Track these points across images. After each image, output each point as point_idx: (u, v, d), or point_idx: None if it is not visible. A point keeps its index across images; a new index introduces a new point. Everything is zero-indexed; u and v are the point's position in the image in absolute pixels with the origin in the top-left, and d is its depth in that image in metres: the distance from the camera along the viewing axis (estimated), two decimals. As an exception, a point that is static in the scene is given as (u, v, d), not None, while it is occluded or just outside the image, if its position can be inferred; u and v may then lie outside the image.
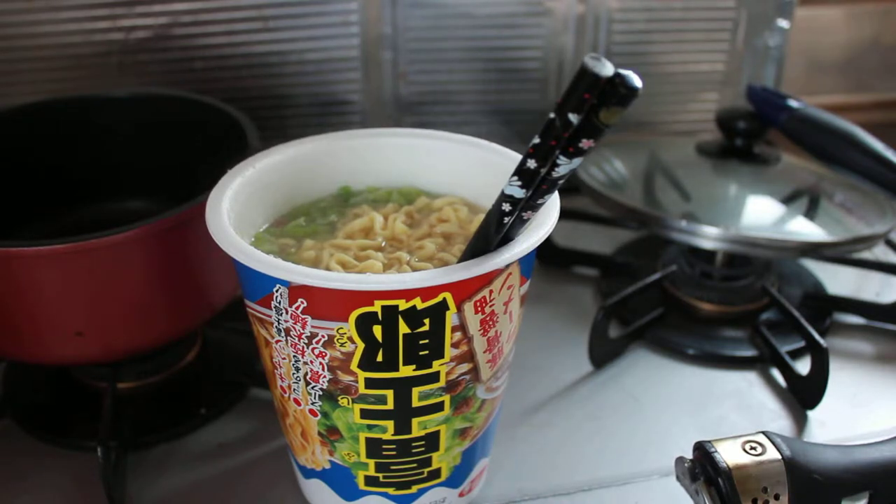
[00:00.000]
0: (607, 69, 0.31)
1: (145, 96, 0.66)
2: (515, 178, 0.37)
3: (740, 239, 0.62)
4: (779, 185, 0.71)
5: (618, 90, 0.31)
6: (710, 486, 0.42)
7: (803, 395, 0.58)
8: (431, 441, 0.44)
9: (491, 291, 0.40)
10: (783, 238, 0.64)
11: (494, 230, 0.39)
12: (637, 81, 0.31)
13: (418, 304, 0.38)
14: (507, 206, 0.38)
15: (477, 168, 0.49)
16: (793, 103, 0.74)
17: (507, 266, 0.40)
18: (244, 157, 0.48)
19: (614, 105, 0.32)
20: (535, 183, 0.36)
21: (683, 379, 0.61)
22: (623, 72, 0.31)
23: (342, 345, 0.39)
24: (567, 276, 0.73)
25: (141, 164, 0.65)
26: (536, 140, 0.34)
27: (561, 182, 0.36)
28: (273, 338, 0.42)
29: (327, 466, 0.45)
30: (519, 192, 0.37)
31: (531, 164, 0.35)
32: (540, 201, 0.38)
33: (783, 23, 0.84)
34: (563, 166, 0.35)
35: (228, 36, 0.76)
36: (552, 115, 0.33)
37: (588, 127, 0.33)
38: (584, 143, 0.33)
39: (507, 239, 0.40)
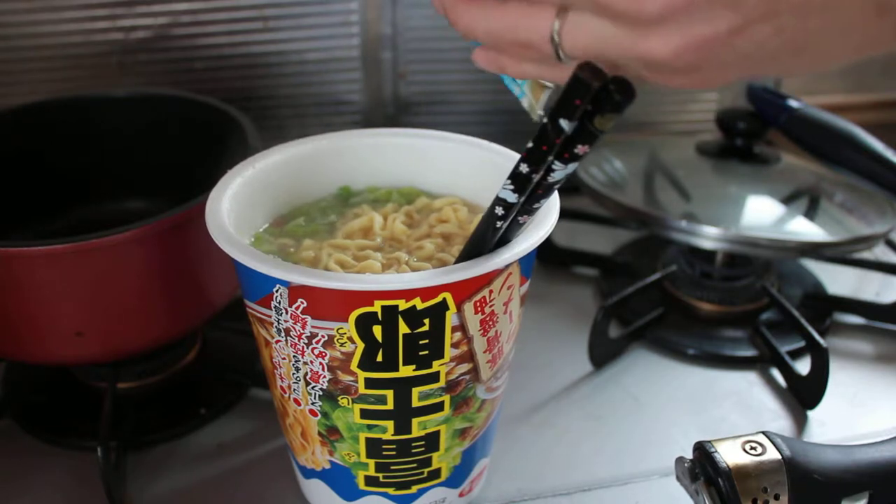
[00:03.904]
0: (601, 76, 0.31)
1: (145, 96, 0.66)
2: (509, 182, 0.36)
3: (740, 239, 0.62)
4: (779, 185, 0.71)
5: (612, 96, 0.31)
6: (710, 486, 0.42)
7: (803, 395, 0.58)
8: (431, 441, 0.44)
9: (491, 291, 0.40)
10: (783, 238, 0.64)
11: (490, 234, 0.39)
12: (632, 88, 0.31)
13: (418, 304, 0.38)
14: (500, 210, 0.38)
15: (477, 168, 0.49)
16: (793, 103, 0.74)
17: (507, 266, 0.40)
18: (244, 157, 0.48)
19: (609, 111, 0.31)
20: (529, 188, 0.36)
21: (683, 379, 0.61)
22: (618, 77, 0.31)
23: (342, 345, 0.39)
24: (567, 276, 0.73)
25: (141, 164, 0.65)
26: (529, 145, 0.34)
27: (556, 186, 0.36)
28: (273, 338, 0.42)
29: (327, 466, 0.45)
30: (511, 197, 0.37)
31: (524, 168, 0.35)
32: (536, 206, 0.38)
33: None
34: (559, 171, 0.35)
35: (228, 36, 0.76)
36: (545, 120, 0.33)
37: (583, 133, 0.32)
38: (580, 149, 0.33)
39: (503, 242, 0.40)
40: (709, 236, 0.63)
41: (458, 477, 0.47)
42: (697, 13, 0.28)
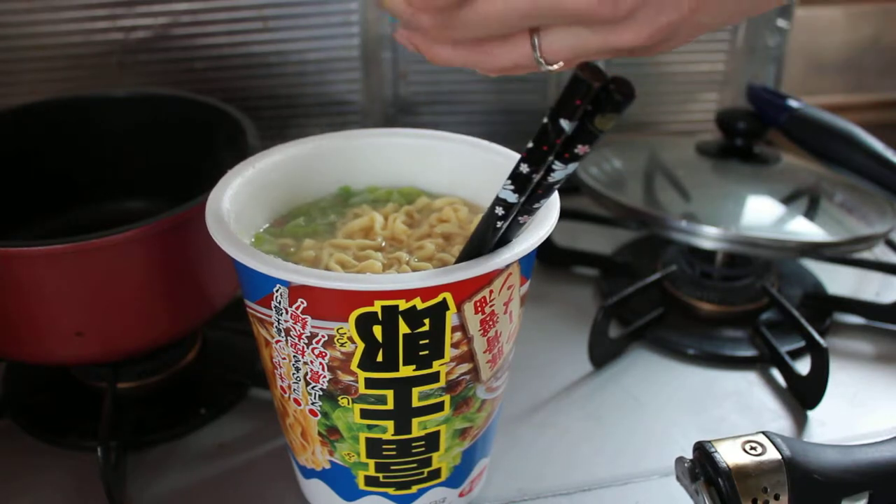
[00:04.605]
0: (601, 76, 0.31)
1: (145, 96, 0.66)
2: (509, 182, 0.36)
3: (740, 239, 0.62)
4: (779, 185, 0.71)
5: (612, 97, 0.31)
6: (710, 486, 0.42)
7: (803, 395, 0.58)
8: (431, 441, 0.44)
9: (491, 291, 0.40)
10: (783, 238, 0.64)
11: (490, 234, 0.39)
12: (632, 88, 0.31)
13: (418, 304, 0.38)
14: (500, 210, 0.38)
15: (477, 168, 0.49)
16: (793, 103, 0.74)
17: (507, 266, 0.40)
18: (244, 157, 0.48)
19: (609, 111, 0.31)
20: (529, 187, 0.36)
21: (683, 379, 0.61)
22: (618, 77, 0.31)
23: (342, 345, 0.39)
24: (567, 276, 0.73)
25: (141, 164, 0.65)
26: (530, 145, 0.34)
27: (556, 186, 0.36)
28: (273, 338, 0.42)
29: (327, 466, 0.45)
30: (512, 197, 0.37)
31: (524, 168, 0.35)
32: (536, 205, 0.38)
33: (783, 23, 0.84)
34: (559, 171, 0.35)
35: (228, 36, 0.76)
36: (545, 121, 0.33)
37: (583, 133, 0.32)
38: (580, 149, 0.33)
39: (503, 242, 0.40)
40: (709, 236, 0.63)
41: (458, 477, 0.47)
42: (662, 2, 0.31)
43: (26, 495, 0.51)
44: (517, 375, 0.58)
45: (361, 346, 0.39)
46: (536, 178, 0.35)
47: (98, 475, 0.49)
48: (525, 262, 0.42)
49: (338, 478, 0.45)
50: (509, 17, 0.32)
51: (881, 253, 0.75)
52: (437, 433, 0.44)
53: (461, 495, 0.48)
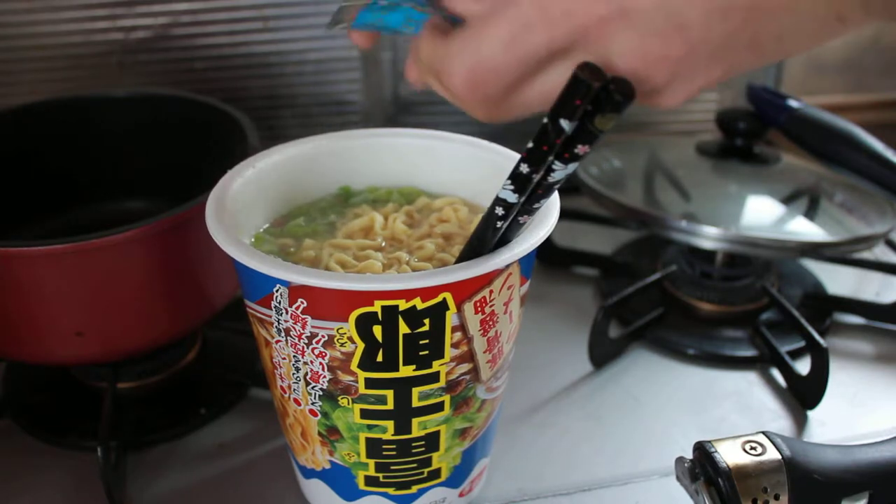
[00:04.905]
0: (601, 76, 0.31)
1: (145, 96, 0.66)
2: (509, 182, 0.36)
3: (740, 239, 0.62)
4: (779, 185, 0.71)
5: (612, 97, 0.31)
6: (710, 486, 0.42)
7: (803, 395, 0.58)
8: (431, 441, 0.44)
9: (491, 291, 0.40)
10: (783, 238, 0.64)
11: (490, 234, 0.39)
12: (632, 88, 0.31)
13: (418, 304, 0.38)
14: (500, 210, 0.38)
15: (477, 168, 0.49)
16: (793, 103, 0.74)
17: (507, 266, 0.40)
18: (244, 158, 0.48)
19: (609, 111, 0.31)
20: (529, 188, 0.36)
21: (683, 379, 0.61)
22: (618, 78, 0.31)
23: (342, 345, 0.39)
24: (567, 276, 0.73)
25: (141, 164, 0.65)
26: (530, 145, 0.34)
27: (556, 187, 0.36)
28: (273, 338, 0.42)
29: (327, 466, 0.45)
30: (512, 197, 0.37)
31: (524, 168, 0.35)
32: (536, 205, 0.38)
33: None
34: (559, 171, 0.35)
35: (228, 36, 0.76)
36: (545, 121, 0.33)
37: (583, 133, 0.33)
38: (580, 149, 0.33)
39: (503, 242, 0.40)
40: (709, 236, 0.63)
41: (458, 477, 0.47)
42: (696, 72, 0.32)
43: (26, 495, 0.51)
44: (517, 375, 0.58)
45: (361, 346, 0.39)
46: (536, 178, 0.35)
47: (98, 475, 0.49)
48: (525, 262, 0.42)
49: (338, 478, 0.45)
50: (552, 99, 0.33)
51: (881, 253, 0.75)
52: (437, 433, 0.44)
53: (461, 495, 0.48)
